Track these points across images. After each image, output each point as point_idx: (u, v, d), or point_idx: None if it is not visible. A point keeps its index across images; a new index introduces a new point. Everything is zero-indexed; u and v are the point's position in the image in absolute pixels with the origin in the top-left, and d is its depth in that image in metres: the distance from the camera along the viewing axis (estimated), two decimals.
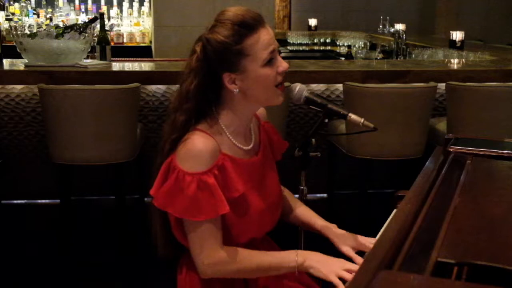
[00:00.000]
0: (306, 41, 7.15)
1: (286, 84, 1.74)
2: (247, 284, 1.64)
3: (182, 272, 1.67)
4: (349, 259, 1.61)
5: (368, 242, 1.68)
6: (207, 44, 1.51)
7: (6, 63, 3.56)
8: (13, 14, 6.33)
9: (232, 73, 1.51)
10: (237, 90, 1.53)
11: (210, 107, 1.57)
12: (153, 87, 3.53)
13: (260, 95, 1.56)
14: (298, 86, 1.65)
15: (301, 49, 7.08)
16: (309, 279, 1.74)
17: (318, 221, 1.77)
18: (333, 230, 1.73)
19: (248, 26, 1.49)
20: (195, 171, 1.48)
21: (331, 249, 1.67)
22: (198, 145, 1.49)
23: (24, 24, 5.13)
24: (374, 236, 1.69)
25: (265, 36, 1.51)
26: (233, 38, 1.49)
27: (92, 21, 3.58)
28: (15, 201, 3.71)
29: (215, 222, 1.51)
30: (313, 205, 1.87)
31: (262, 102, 1.61)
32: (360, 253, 1.66)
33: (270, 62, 1.52)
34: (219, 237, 1.53)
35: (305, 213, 1.81)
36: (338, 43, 7.04)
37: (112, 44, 4.62)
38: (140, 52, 6.09)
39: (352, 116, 1.63)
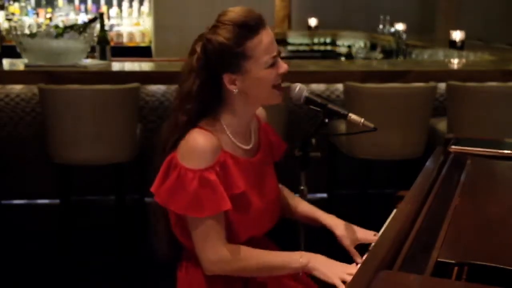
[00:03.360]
0: (306, 41, 7.16)
1: (286, 84, 1.74)
2: (246, 282, 1.64)
3: (183, 270, 1.68)
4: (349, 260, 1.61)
5: (369, 234, 1.71)
6: (208, 44, 1.51)
7: (6, 63, 3.55)
8: (13, 14, 6.34)
9: (232, 74, 1.52)
10: (237, 90, 1.54)
11: (211, 106, 1.58)
12: (153, 87, 3.53)
13: (260, 95, 1.58)
14: (298, 86, 1.65)
15: (301, 49, 7.08)
16: (308, 278, 1.74)
17: (319, 214, 1.79)
18: (335, 223, 1.74)
19: (249, 28, 1.50)
20: (197, 168, 1.49)
21: (330, 249, 1.67)
22: (200, 142, 1.50)
23: (24, 24, 5.13)
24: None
25: (266, 39, 1.52)
26: (234, 41, 1.49)
27: (92, 21, 3.57)
28: (15, 201, 3.70)
29: (218, 218, 1.52)
30: (313, 205, 1.87)
31: (261, 101, 1.63)
32: (362, 250, 1.68)
33: (272, 65, 1.54)
34: (222, 234, 1.54)
35: (306, 208, 1.82)
36: (338, 43, 7.04)
37: (112, 44, 4.61)
38: (140, 52, 6.09)
39: (352, 116, 1.63)
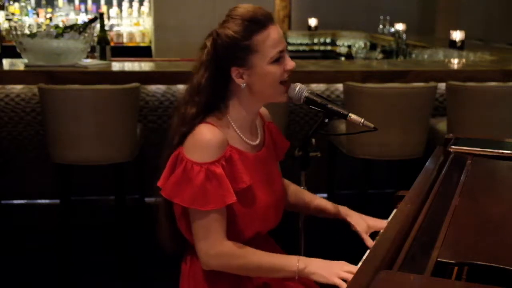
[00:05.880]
0: (306, 41, 7.17)
1: None
2: (251, 279, 1.65)
3: (187, 263, 1.69)
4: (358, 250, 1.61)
5: (381, 222, 1.75)
6: (217, 38, 1.55)
7: (6, 63, 3.55)
8: (13, 14, 6.34)
9: (240, 67, 1.55)
10: (244, 84, 1.56)
11: (219, 101, 1.60)
12: (153, 87, 3.53)
13: (265, 90, 1.59)
14: (298, 86, 1.65)
15: (301, 49, 7.09)
16: (310, 280, 1.74)
17: (330, 205, 1.84)
18: (348, 212, 1.81)
19: (258, 22, 1.53)
20: (203, 161, 1.51)
21: (329, 249, 1.67)
22: (207, 136, 1.52)
23: (24, 24, 5.13)
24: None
25: (274, 34, 1.55)
26: (243, 34, 1.52)
27: (92, 21, 3.57)
28: (15, 201, 3.71)
29: (221, 213, 1.53)
30: None
31: (267, 97, 1.63)
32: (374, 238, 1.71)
33: (278, 60, 1.55)
34: (224, 229, 1.54)
35: (315, 200, 1.86)
36: (338, 43, 7.05)
37: (112, 44, 4.61)
38: (140, 52, 6.09)
39: (352, 116, 1.63)
